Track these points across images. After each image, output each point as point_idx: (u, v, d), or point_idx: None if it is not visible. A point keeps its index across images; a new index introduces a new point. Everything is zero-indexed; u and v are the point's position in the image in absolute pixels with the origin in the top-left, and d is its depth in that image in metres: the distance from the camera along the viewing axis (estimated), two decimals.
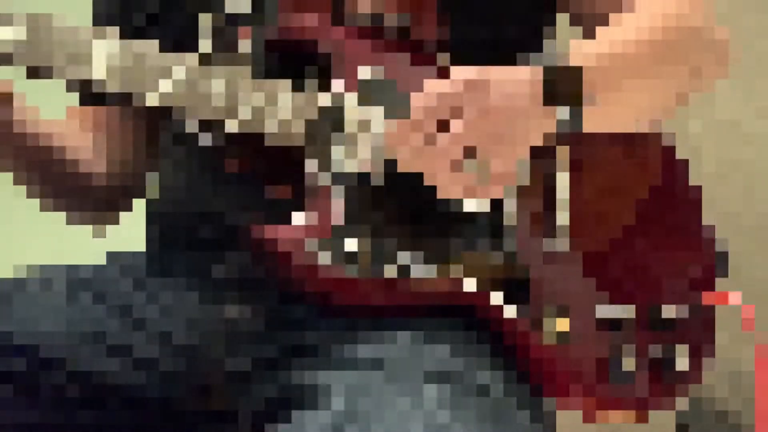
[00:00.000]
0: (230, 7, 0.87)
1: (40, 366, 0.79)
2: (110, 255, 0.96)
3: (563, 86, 0.72)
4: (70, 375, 0.80)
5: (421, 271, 0.74)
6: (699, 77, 0.85)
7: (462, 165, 0.70)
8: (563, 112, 0.73)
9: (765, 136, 1.31)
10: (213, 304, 0.83)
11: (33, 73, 0.72)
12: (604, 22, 0.85)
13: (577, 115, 0.74)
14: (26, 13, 0.72)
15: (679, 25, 0.81)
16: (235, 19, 0.88)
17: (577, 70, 0.73)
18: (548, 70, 0.72)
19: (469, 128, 0.69)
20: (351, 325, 0.74)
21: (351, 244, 0.73)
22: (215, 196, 0.84)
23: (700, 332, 0.81)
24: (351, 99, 0.78)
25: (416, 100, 0.71)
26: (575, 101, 0.73)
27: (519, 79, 0.72)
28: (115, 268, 0.91)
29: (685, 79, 0.84)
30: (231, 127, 0.73)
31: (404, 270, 0.73)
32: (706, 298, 0.78)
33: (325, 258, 0.71)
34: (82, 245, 1.05)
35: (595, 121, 0.76)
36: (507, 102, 0.70)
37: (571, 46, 0.77)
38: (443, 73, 0.84)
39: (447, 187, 0.71)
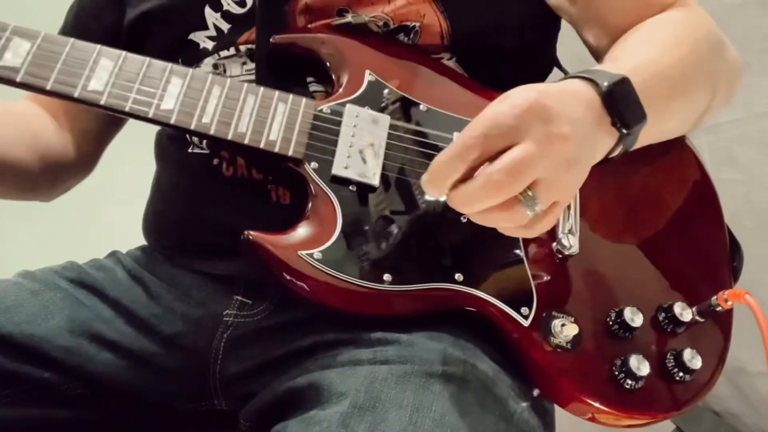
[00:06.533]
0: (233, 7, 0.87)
1: (40, 366, 0.79)
2: (110, 255, 0.96)
3: (620, 99, 0.68)
4: (70, 375, 0.80)
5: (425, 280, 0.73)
6: (721, 94, 0.85)
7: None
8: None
9: (765, 135, 1.31)
10: (213, 305, 0.83)
11: None
12: (606, 23, 0.85)
13: (636, 129, 0.69)
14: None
15: (701, 41, 0.81)
16: (236, 20, 0.88)
17: (628, 83, 0.68)
18: (606, 84, 0.67)
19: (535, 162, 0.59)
20: (352, 324, 0.74)
21: (355, 254, 0.72)
22: (213, 200, 0.84)
23: (718, 333, 0.80)
24: (352, 107, 0.78)
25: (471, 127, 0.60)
26: (633, 116, 0.69)
27: (581, 101, 0.66)
28: (115, 267, 0.91)
29: (708, 96, 0.83)
30: (229, 136, 0.73)
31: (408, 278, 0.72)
32: (720, 297, 0.77)
33: (334, 266, 0.70)
34: (80, 245, 1.04)
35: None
36: (573, 128, 0.62)
37: (605, 63, 0.75)
38: (448, 72, 0.84)
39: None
